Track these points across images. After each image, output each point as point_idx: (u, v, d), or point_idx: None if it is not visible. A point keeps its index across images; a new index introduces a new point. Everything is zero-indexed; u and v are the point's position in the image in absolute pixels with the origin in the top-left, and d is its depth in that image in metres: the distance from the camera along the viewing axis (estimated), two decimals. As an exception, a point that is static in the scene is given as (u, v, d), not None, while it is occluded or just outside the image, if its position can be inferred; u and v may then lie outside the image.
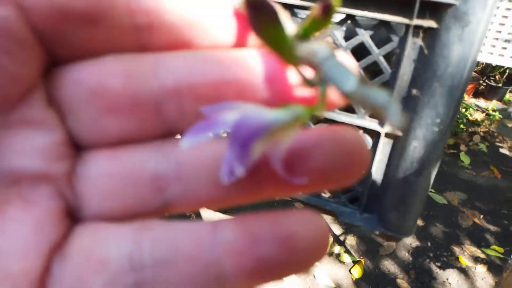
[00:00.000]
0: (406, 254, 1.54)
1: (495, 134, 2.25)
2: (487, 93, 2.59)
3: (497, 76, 2.56)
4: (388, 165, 0.46)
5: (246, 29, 0.13)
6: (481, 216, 1.71)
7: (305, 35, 0.12)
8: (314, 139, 0.13)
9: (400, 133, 0.44)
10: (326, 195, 0.51)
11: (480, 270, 1.49)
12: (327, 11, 0.12)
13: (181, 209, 0.13)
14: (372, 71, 0.44)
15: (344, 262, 1.48)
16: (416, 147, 0.43)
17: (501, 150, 2.14)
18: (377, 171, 0.47)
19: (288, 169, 0.12)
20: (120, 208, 0.13)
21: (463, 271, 1.48)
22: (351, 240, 1.56)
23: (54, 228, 0.12)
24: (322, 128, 0.13)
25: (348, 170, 0.13)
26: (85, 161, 0.13)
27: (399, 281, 1.43)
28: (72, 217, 0.13)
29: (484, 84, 2.64)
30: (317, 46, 0.12)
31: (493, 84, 2.56)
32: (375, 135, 0.46)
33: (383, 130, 0.45)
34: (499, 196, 1.81)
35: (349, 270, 1.44)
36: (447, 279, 1.45)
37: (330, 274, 1.42)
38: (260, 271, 0.12)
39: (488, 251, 1.55)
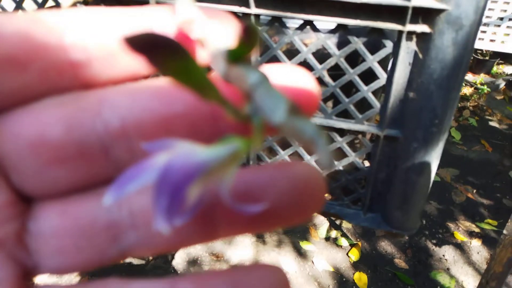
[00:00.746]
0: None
1: (484, 107, 2.28)
2: (474, 67, 2.61)
3: (483, 50, 2.58)
4: (388, 166, 0.47)
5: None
6: (474, 191, 1.74)
7: (233, 58, 0.11)
8: (267, 177, 0.12)
9: (399, 135, 0.45)
10: (329, 198, 0.52)
11: (475, 244, 1.53)
12: (249, 33, 0.11)
13: (139, 255, 0.13)
14: (366, 76, 0.45)
15: (341, 246, 1.50)
16: (416, 148, 0.44)
17: (491, 124, 2.17)
18: (379, 172, 0.48)
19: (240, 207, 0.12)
20: (77, 261, 0.13)
21: (459, 247, 1.52)
22: (347, 224, 1.58)
23: None
24: (276, 164, 0.13)
25: (304, 207, 0.12)
26: (36, 216, 0.13)
27: (396, 260, 1.47)
28: (29, 276, 0.12)
29: (471, 58, 2.65)
30: (247, 70, 0.11)
31: (480, 57, 2.58)
32: (374, 138, 0.47)
33: (382, 133, 0.45)
34: (491, 170, 1.85)
35: (347, 254, 1.47)
36: (443, 255, 1.49)
37: (328, 259, 1.45)
38: None
39: (483, 225, 1.59)
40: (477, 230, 1.60)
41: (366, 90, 0.44)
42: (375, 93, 0.46)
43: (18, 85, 0.11)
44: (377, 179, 0.48)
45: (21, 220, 0.12)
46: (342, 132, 0.48)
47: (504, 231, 0.96)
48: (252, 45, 0.11)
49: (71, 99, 0.12)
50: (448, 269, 1.47)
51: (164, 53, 0.10)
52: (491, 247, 1.54)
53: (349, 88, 0.47)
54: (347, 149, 0.48)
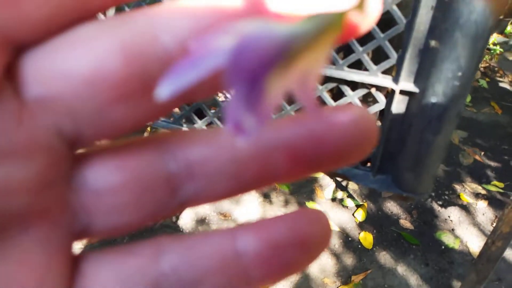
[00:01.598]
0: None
1: (496, 69, 2.21)
2: (487, 26, 2.50)
3: (498, 7, 2.46)
4: (402, 124, 0.43)
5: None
6: (482, 153, 1.72)
7: None
8: (324, 124, 0.12)
9: (416, 90, 0.41)
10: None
11: (481, 206, 1.52)
12: None
13: (196, 205, 0.13)
14: (385, 22, 0.40)
15: (347, 207, 1.50)
16: (434, 104, 0.39)
17: (502, 85, 2.11)
18: (391, 131, 0.44)
19: (300, 158, 0.12)
20: (135, 218, 0.12)
21: (464, 208, 1.52)
22: (353, 185, 1.57)
23: (57, 278, 0.11)
24: (331, 109, 0.12)
25: (360, 148, 0.12)
26: (86, 171, 0.11)
27: (402, 221, 1.47)
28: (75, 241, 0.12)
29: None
30: None
31: (494, 15, 2.46)
32: (389, 92, 0.42)
33: (398, 87, 0.41)
34: (499, 132, 1.81)
35: (353, 214, 1.47)
36: (448, 216, 1.49)
37: (334, 219, 1.45)
38: (284, 273, 0.12)
39: (489, 187, 1.57)
40: (483, 192, 1.58)
41: (382, 38, 0.40)
42: (391, 42, 0.41)
43: (50, 8, 0.09)
44: (389, 138, 0.45)
45: (67, 178, 0.11)
46: (354, 85, 0.44)
47: (514, 193, 0.94)
48: None
49: (120, 23, 0.10)
50: (453, 229, 1.48)
51: None
52: (496, 208, 1.53)
53: (364, 36, 0.42)
54: (359, 104, 0.44)
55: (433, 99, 0.39)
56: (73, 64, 0.10)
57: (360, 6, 0.09)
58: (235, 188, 0.12)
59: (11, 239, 0.10)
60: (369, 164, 0.48)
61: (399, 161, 0.45)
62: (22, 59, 0.10)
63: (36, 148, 0.10)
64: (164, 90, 0.08)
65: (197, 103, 0.54)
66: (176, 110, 0.58)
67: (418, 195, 0.44)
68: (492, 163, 1.68)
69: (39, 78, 0.10)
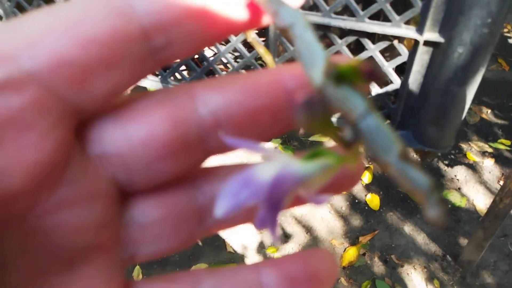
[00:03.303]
0: (414, 155, 1.56)
1: (504, 24, 2.14)
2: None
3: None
4: (426, 76, 0.42)
5: (257, 9, 0.13)
6: (489, 111, 1.70)
7: (339, 79, 0.11)
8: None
9: (441, 40, 0.39)
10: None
11: (488, 164, 1.52)
12: (372, 76, 0.11)
13: (219, 230, 0.16)
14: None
15: (353, 169, 1.50)
16: (461, 54, 0.38)
17: (510, 41, 2.05)
18: (413, 84, 0.43)
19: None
20: (173, 244, 0.14)
21: (471, 167, 1.52)
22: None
23: None
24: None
25: (346, 185, 0.15)
26: (133, 209, 0.14)
27: (408, 182, 1.47)
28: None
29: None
30: (353, 97, 0.11)
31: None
32: (412, 43, 0.40)
33: (422, 38, 0.39)
34: (507, 89, 1.78)
35: (359, 176, 1.48)
36: (455, 175, 1.49)
37: (340, 182, 1.45)
38: None
39: (495, 145, 1.57)
40: (490, 150, 1.58)
41: (406, -15, 0.37)
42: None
43: (111, 83, 0.12)
44: (411, 92, 0.43)
45: (119, 216, 0.13)
46: (373, 38, 0.42)
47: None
48: (365, 84, 0.11)
49: (166, 97, 0.13)
50: (459, 188, 1.48)
51: (321, 115, 0.11)
52: (503, 166, 1.53)
53: (385, -15, 0.40)
54: (379, 58, 0.43)
55: (460, 49, 0.38)
56: (131, 130, 0.13)
57: (352, 159, 0.12)
58: (246, 216, 0.15)
59: (78, 269, 0.12)
60: (388, 121, 0.47)
61: (421, 115, 0.43)
62: (90, 124, 0.12)
63: (98, 195, 0.12)
64: (221, 208, 0.11)
65: (208, 65, 0.52)
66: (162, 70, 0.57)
67: (440, 150, 0.44)
68: (499, 121, 1.67)
69: (103, 139, 0.12)
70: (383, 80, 0.11)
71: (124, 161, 0.13)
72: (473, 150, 1.58)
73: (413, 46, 0.40)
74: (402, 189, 1.46)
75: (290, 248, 1.34)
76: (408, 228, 1.39)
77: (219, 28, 0.13)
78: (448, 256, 1.33)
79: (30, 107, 0.10)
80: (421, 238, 1.37)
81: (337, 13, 0.42)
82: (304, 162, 0.12)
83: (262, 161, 0.12)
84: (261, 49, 0.47)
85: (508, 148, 1.57)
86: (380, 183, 1.50)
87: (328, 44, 0.45)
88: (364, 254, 1.33)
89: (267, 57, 0.47)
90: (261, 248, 1.34)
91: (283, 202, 0.11)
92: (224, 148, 0.14)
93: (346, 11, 0.43)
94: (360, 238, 1.39)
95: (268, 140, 0.15)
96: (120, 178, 0.13)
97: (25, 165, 0.10)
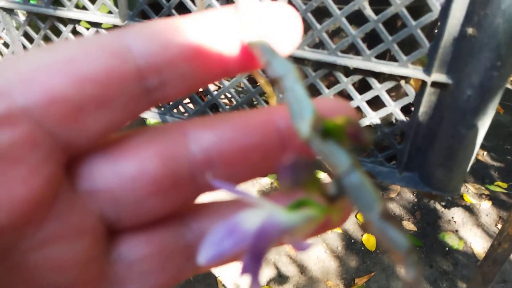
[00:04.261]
0: (411, 196, 1.54)
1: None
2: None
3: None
4: (433, 118, 0.41)
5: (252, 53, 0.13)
6: (485, 153, 1.70)
7: (325, 133, 0.11)
8: None
9: (450, 81, 0.38)
10: (361, 154, 0.46)
11: (485, 207, 1.50)
12: (356, 138, 0.11)
13: (209, 269, 0.16)
14: (416, 8, 0.37)
15: (350, 209, 1.48)
16: (470, 96, 0.37)
17: (503, 85, 2.10)
18: (420, 125, 0.42)
19: None
20: (160, 281, 0.14)
21: (468, 209, 1.50)
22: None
23: None
24: None
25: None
26: (121, 246, 0.14)
27: (405, 222, 1.45)
28: None
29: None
30: (337, 152, 0.11)
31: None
32: (419, 84, 0.40)
33: (430, 79, 0.39)
34: (502, 132, 1.80)
35: (355, 216, 1.45)
36: (452, 217, 1.47)
37: (336, 221, 1.43)
38: None
39: (492, 187, 1.56)
40: (486, 192, 1.57)
41: (414, 26, 0.37)
42: (422, 30, 0.38)
43: (104, 121, 0.12)
44: (418, 133, 0.42)
45: (106, 252, 0.13)
46: (379, 77, 0.41)
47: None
48: (359, 144, 0.11)
49: (158, 134, 0.13)
50: (456, 231, 1.46)
51: (307, 177, 0.11)
52: (500, 209, 1.52)
53: (391, 24, 0.40)
54: (386, 97, 0.42)
55: (469, 91, 0.37)
56: (122, 166, 0.12)
57: (336, 212, 0.12)
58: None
59: None
60: (394, 162, 0.45)
61: (429, 157, 0.42)
62: (81, 159, 0.12)
63: (85, 231, 0.12)
64: (203, 257, 0.11)
65: (212, 98, 0.51)
66: (191, 106, 0.56)
67: (448, 193, 0.42)
68: (495, 163, 1.67)
69: (93, 175, 0.12)
70: (367, 142, 0.11)
71: (113, 197, 0.13)
72: (469, 192, 1.57)
73: (421, 87, 0.39)
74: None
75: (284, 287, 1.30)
76: (405, 271, 1.35)
77: (212, 70, 0.13)
78: (446, 301, 1.29)
79: (21, 142, 0.10)
80: (418, 282, 1.34)
81: (343, 51, 0.42)
82: (288, 212, 0.12)
83: (248, 208, 0.12)
84: (262, 80, 0.46)
85: (505, 191, 1.56)
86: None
87: (334, 82, 0.45)
88: (360, 297, 1.29)
89: (268, 88, 0.46)
90: None
91: (267, 251, 0.11)
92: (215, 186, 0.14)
93: (352, 49, 0.43)
94: (356, 280, 1.35)
95: (261, 176, 0.15)
96: (109, 214, 0.13)
97: (13, 200, 0.10)
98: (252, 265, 0.11)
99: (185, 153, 0.13)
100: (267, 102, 0.50)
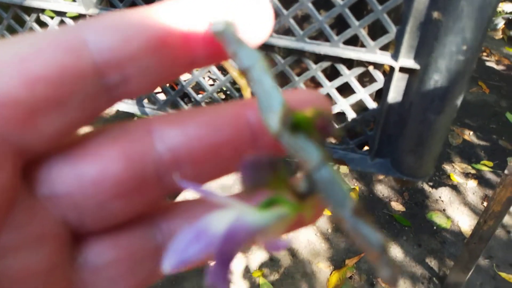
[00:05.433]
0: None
1: (482, 48, 2.20)
2: (473, 4, 2.49)
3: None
4: (402, 104, 0.41)
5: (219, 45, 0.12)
6: (471, 133, 1.71)
7: (295, 127, 0.11)
8: None
9: (417, 66, 0.38)
10: (332, 142, 0.46)
11: (471, 185, 1.52)
12: (324, 132, 0.11)
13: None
14: (382, -7, 0.37)
15: (338, 191, 1.49)
16: (437, 81, 0.37)
17: (489, 64, 2.10)
18: (390, 112, 0.41)
19: None
20: (129, 285, 0.14)
21: (455, 188, 1.52)
22: (344, 169, 1.56)
23: None
24: None
25: None
26: (86, 251, 0.13)
27: (393, 203, 1.46)
28: None
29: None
30: (308, 147, 0.11)
31: (480, -7, 2.45)
32: (387, 70, 0.39)
33: (397, 64, 0.38)
34: (488, 111, 1.81)
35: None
36: (439, 197, 1.49)
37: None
38: None
39: (478, 166, 1.58)
40: (473, 171, 1.59)
41: (380, 10, 0.36)
42: (388, 15, 0.38)
43: (61, 123, 0.11)
44: (388, 120, 0.42)
45: (70, 259, 0.13)
46: (349, 63, 0.41)
47: (506, 171, 0.93)
48: (323, 137, 0.11)
49: (121, 133, 0.13)
50: (444, 210, 1.48)
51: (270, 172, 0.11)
52: (486, 187, 1.54)
53: (360, 10, 0.39)
54: (355, 84, 0.41)
55: (436, 76, 0.37)
56: (83, 169, 0.12)
57: (308, 209, 0.12)
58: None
59: None
60: (366, 148, 0.45)
61: (399, 143, 0.42)
62: (39, 163, 0.12)
63: (46, 238, 0.12)
64: (168, 264, 0.11)
65: (182, 88, 0.50)
66: (162, 96, 0.55)
67: (419, 179, 0.42)
68: (481, 142, 1.69)
69: (53, 179, 0.12)
70: (337, 134, 0.10)
71: (74, 202, 0.12)
72: (456, 171, 1.59)
73: (389, 73, 0.39)
74: (387, 211, 1.45)
75: (274, 272, 1.31)
76: (394, 250, 1.37)
77: (178, 63, 0.12)
78: (434, 278, 1.32)
79: None
80: (407, 261, 1.36)
81: (312, 37, 0.41)
82: (258, 212, 0.11)
83: (217, 208, 0.11)
84: (234, 73, 0.45)
85: (491, 170, 1.58)
86: (365, 205, 1.49)
87: (304, 69, 0.44)
88: (350, 277, 1.31)
89: (241, 81, 0.45)
90: (247, 272, 1.31)
91: (236, 254, 0.11)
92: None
93: (322, 36, 0.42)
94: (347, 261, 1.36)
95: (232, 173, 0.14)
96: (71, 219, 0.12)
97: None
98: (221, 270, 0.11)
99: (150, 152, 0.13)
100: (239, 91, 0.49)
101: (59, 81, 0.11)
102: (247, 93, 0.46)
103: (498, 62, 2.10)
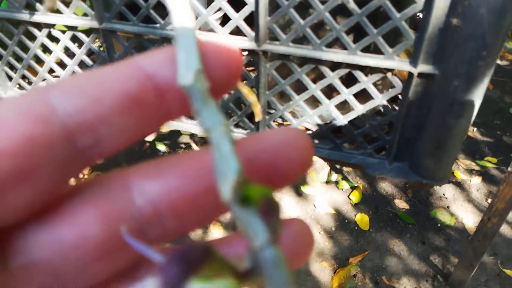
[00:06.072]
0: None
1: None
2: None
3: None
4: (421, 108, 0.41)
5: None
6: (474, 129, 1.72)
7: (245, 200, 0.10)
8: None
9: (436, 72, 0.38)
10: (350, 147, 0.46)
11: (475, 182, 1.52)
12: (265, 214, 0.10)
13: None
14: (401, 1, 0.37)
15: (342, 189, 1.49)
16: (457, 86, 0.37)
17: (491, 59, 2.10)
18: (408, 116, 0.42)
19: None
20: None
21: (459, 185, 1.52)
22: (347, 167, 1.56)
23: None
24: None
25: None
26: None
27: (397, 201, 1.47)
28: None
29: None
30: (255, 223, 0.10)
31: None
32: (406, 76, 0.40)
33: (416, 70, 0.38)
34: (491, 107, 1.81)
35: (348, 196, 1.46)
36: (443, 194, 1.49)
37: (329, 201, 1.44)
38: None
39: (482, 163, 1.58)
40: (477, 168, 1.59)
41: (399, 18, 0.37)
42: (407, 21, 0.38)
43: (30, 194, 0.11)
44: (406, 124, 0.42)
45: None
46: (366, 70, 0.41)
47: (509, 168, 0.93)
48: (270, 213, 0.11)
49: (98, 191, 0.12)
50: (448, 207, 1.48)
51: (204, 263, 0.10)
52: (491, 184, 1.54)
53: (374, 15, 0.39)
54: (373, 90, 0.42)
55: (456, 81, 0.37)
56: (60, 233, 0.11)
57: (251, 286, 0.11)
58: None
59: None
60: (384, 152, 0.45)
61: (418, 147, 0.42)
62: (11, 233, 0.11)
63: None
64: None
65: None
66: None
67: (438, 182, 0.42)
68: (485, 139, 1.69)
69: (29, 248, 0.11)
70: (275, 221, 0.10)
71: (54, 268, 0.12)
72: (460, 168, 1.59)
73: (407, 78, 0.39)
74: (391, 209, 1.44)
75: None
76: (398, 248, 1.38)
77: (153, 118, 0.12)
78: (439, 276, 1.32)
79: None
80: (411, 258, 1.36)
81: (328, 45, 0.41)
82: (200, 282, 0.10)
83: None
84: (244, 90, 0.45)
85: (495, 166, 1.58)
86: (369, 202, 1.49)
87: (319, 74, 0.44)
88: (354, 276, 1.31)
89: (251, 97, 0.45)
90: None
91: None
92: (167, 236, 0.13)
93: (336, 42, 0.42)
94: (351, 259, 1.37)
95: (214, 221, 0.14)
96: (51, 286, 0.12)
97: None
98: None
99: (130, 209, 0.12)
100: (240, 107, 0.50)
101: (27, 152, 0.10)
102: (257, 109, 0.46)
103: (502, 58, 2.10)
